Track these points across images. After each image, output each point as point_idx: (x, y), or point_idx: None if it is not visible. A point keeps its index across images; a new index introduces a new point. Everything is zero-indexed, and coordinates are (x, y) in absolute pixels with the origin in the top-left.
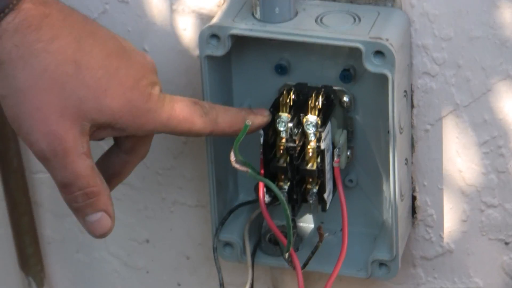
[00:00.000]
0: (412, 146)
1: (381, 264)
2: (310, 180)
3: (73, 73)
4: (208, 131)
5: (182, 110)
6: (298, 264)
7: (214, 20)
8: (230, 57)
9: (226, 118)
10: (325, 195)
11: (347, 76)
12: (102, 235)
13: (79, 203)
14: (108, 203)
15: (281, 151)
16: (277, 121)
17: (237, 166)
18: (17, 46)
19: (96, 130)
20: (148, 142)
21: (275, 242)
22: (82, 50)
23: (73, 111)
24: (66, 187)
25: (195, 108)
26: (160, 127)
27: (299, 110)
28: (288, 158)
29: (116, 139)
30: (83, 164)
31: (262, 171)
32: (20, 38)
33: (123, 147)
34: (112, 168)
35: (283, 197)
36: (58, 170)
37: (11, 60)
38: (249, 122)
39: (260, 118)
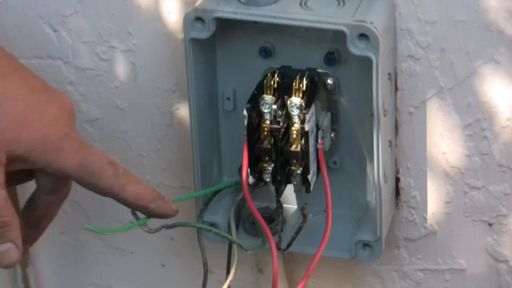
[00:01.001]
0: (396, 128)
1: (365, 245)
2: (294, 161)
3: None
4: (113, 193)
5: (94, 163)
6: (274, 247)
7: (199, 3)
8: (215, 40)
9: (134, 189)
10: (309, 177)
11: (331, 59)
12: (9, 266)
13: None
14: (18, 235)
15: (266, 133)
16: (261, 103)
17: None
18: None
19: (10, 162)
20: (69, 181)
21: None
22: (6, 84)
23: None
24: None
25: (108, 167)
26: (69, 170)
27: (283, 92)
28: (272, 140)
29: (37, 181)
30: None
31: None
32: None
33: (44, 188)
34: (38, 211)
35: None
36: None
37: None
38: (146, 220)
39: (167, 208)
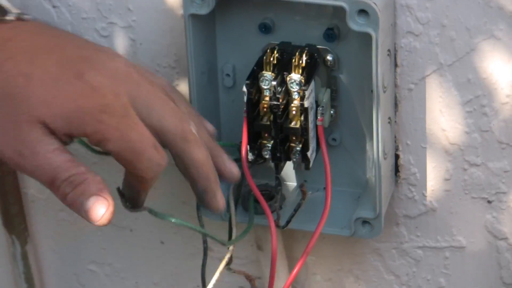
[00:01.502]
0: (396, 105)
1: (365, 222)
2: (294, 138)
3: (23, 84)
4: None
5: (135, 141)
6: (273, 225)
7: None
8: (214, 16)
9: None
10: (309, 153)
11: (331, 35)
12: (103, 221)
13: (69, 194)
14: (96, 188)
15: (265, 110)
16: (261, 79)
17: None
18: None
19: (63, 135)
20: None
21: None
22: (34, 64)
23: (26, 117)
24: (51, 184)
25: (151, 151)
26: (108, 143)
27: (283, 68)
28: (272, 117)
29: None
30: (58, 157)
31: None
32: None
33: None
34: None
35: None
36: (35, 171)
37: None
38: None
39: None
